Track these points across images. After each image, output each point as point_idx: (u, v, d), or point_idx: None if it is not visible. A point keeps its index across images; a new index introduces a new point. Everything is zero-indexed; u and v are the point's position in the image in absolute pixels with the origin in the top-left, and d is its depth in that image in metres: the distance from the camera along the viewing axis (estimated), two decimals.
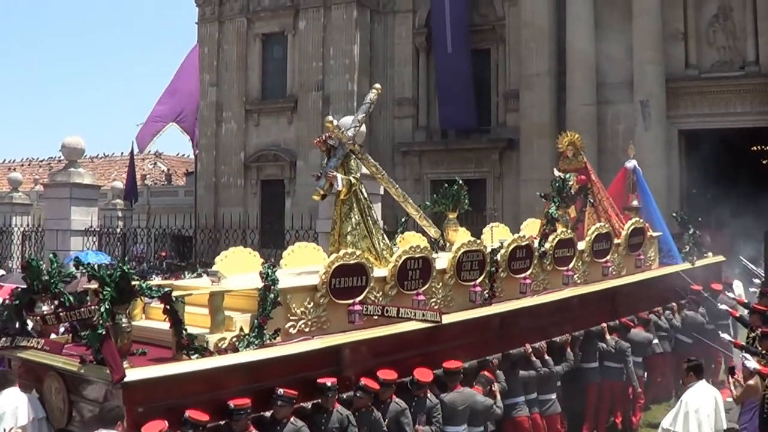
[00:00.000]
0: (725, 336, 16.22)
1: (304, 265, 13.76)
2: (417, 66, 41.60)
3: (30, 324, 10.93)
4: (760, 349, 13.89)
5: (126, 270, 9.16)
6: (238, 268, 12.70)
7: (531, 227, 18.91)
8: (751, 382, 12.57)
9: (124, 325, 9.24)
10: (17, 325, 10.70)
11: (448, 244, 16.35)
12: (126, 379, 8.82)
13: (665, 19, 34.86)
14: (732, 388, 13.20)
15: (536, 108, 36.92)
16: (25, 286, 23.90)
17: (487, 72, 40.19)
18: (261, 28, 43.43)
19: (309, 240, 24.82)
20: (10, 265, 34.80)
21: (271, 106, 43.12)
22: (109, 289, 9.05)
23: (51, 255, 10.82)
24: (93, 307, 9.58)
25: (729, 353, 17.89)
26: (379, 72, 41.51)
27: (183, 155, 62.68)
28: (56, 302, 10.55)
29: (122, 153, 59.02)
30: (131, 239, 33.99)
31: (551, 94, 36.89)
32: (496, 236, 16.90)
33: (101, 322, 8.97)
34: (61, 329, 13.20)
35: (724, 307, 18.05)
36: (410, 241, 15.22)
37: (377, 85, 15.49)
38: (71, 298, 10.28)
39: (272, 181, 42.91)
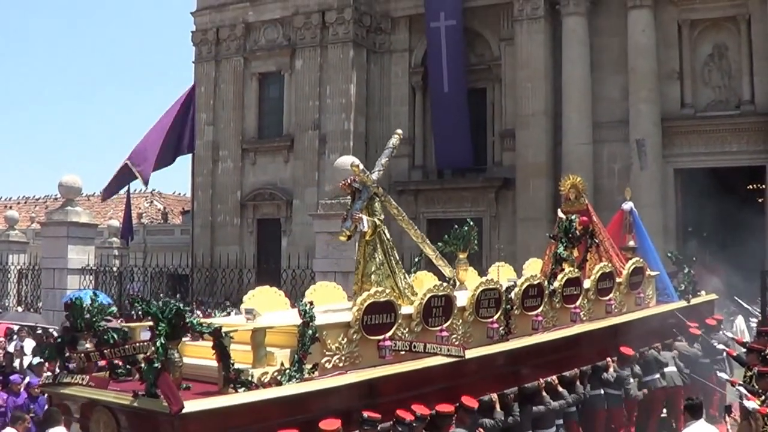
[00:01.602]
0: (722, 375, 16.40)
1: (326, 303, 13.96)
2: (413, 105, 41.91)
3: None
4: (757, 387, 14.04)
5: (181, 307, 9.42)
6: (266, 306, 12.85)
7: (533, 267, 19.20)
8: (744, 421, 12.64)
9: (176, 359, 9.50)
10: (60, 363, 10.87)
11: (458, 283, 16.61)
12: (184, 411, 9.03)
13: (660, 59, 35.38)
14: (728, 427, 13.32)
15: (532, 147, 37.28)
16: (21, 325, 23.89)
17: (483, 111, 40.50)
18: (258, 67, 43.68)
19: (306, 279, 24.95)
20: (6, 304, 34.75)
21: (267, 145, 43.29)
22: (163, 324, 9.28)
23: (92, 293, 10.98)
24: (139, 344, 9.81)
25: (723, 391, 18.06)
26: (375, 111, 41.87)
27: (179, 194, 62.74)
28: (96, 339, 10.71)
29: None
30: (128, 278, 33.98)
31: (547, 134, 37.30)
32: (503, 275, 17.10)
33: (157, 356, 9.20)
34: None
35: (720, 346, 18.28)
36: (423, 281, 15.51)
37: (399, 131, 15.74)
38: (116, 336, 10.48)
39: (268, 220, 42.99)
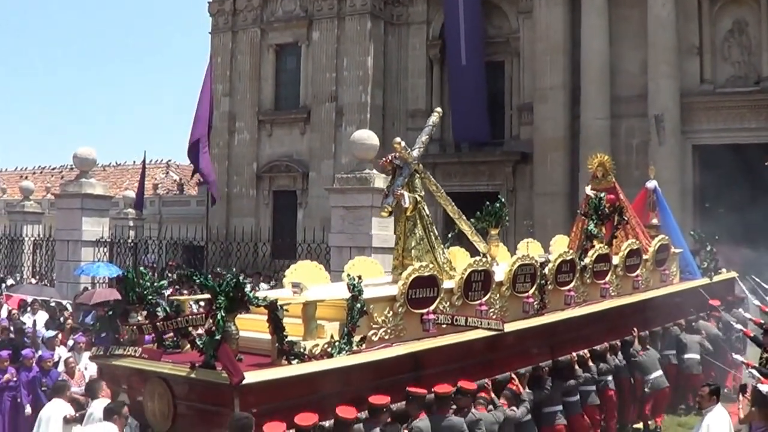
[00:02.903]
0: (737, 357, 16.47)
1: (365, 277, 14.08)
2: (431, 78, 41.83)
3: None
4: None
5: (240, 281, 9.55)
6: (307, 280, 13.02)
7: (560, 243, 19.53)
8: (754, 408, 12.58)
9: (233, 332, 9.62)
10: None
11: (490, 259, 16.77)
12: (244, 382, 9.24)
13: (680, 34, 35.08)
14: (740, 406, 13.30)
15: (550, 121, 37.17)
16: (33, 298, 23.89)
17: (500, 84, 40.45)
18: (275, 39, 43.62)
19: (321, 253, 24.97)
20: (18, 277, 34.64)
21: (284, 117, 43.33)
22: (222, 298, 9.41)
23: (142, 267, 11.06)
24: (189, 317, 9.92)
25: (739, 374, 18.18)
26: (392, 83, 41.87)
27: None
28: (145, 312, 10.81)
29: (134, 162, 58.82)
30: (142, 250, 33.92)
31: (565, 108, 37.16)
32: (532, 251, 17.28)
33: (218, 328, 9.37)
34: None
35: (738, 326, 18.42)
36: (456, 256, 15.74)
37: (438, 109, 16.13)
38: (168, 309, 10.58)
39: (284, 192, 43.13)
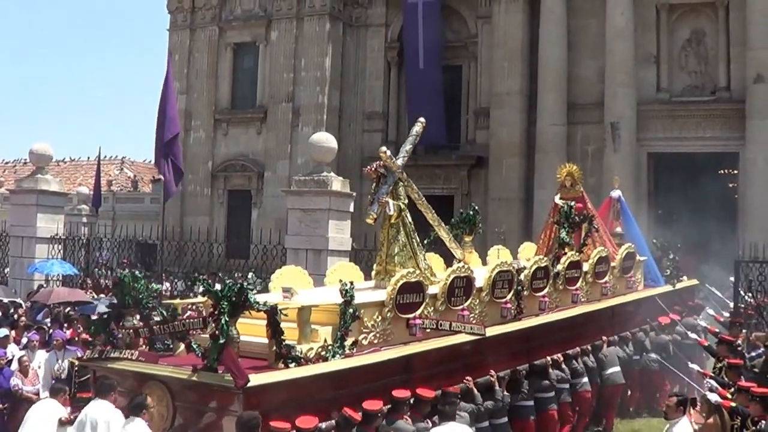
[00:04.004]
0: (694, 366, 16.74)
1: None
2: (388, 80, 41.95)
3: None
4: (727, 379, 14.35)
5: (243, 286, 9.66)
6: (292, 285, 13.05)
7: (528, 250, 19.82)
8: (710, 420, 12.76)
9: (234, 335, 9.72)
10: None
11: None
12: (249, 384, 9.33)
13: (638, 43, 35.57)
14: (692, 420, 13.46)
15: (506, 127, 37.48)
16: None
17: (458, 89, 40.59)
18: (233, 38, 43.54)
19: (277, 255, 24.90)
20: None
21: (240, 116, 43.24)
22: (225, 303, 9.52)
23: (137, 272, 11.05)
24: (188, 321, 9.94)
25: (695, 384, 18.47)
26: (350, 85, 41.92)
27: (149, 161, 61.68)
28: (139, 316, 10.80)
29: (89, 157, 58.43)
30: (96, 247, 33.54)
31: (522, 114, 37.50)
32: (502, 258, 17.53)
33: (222, 333, 9.48)
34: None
35: (693, 335, 18.72)
36: (432, 262, 15.83)
37: (422, 119, 15.99)
38: (165, 313, 10.58)
39: (239, 192, 42.98)
